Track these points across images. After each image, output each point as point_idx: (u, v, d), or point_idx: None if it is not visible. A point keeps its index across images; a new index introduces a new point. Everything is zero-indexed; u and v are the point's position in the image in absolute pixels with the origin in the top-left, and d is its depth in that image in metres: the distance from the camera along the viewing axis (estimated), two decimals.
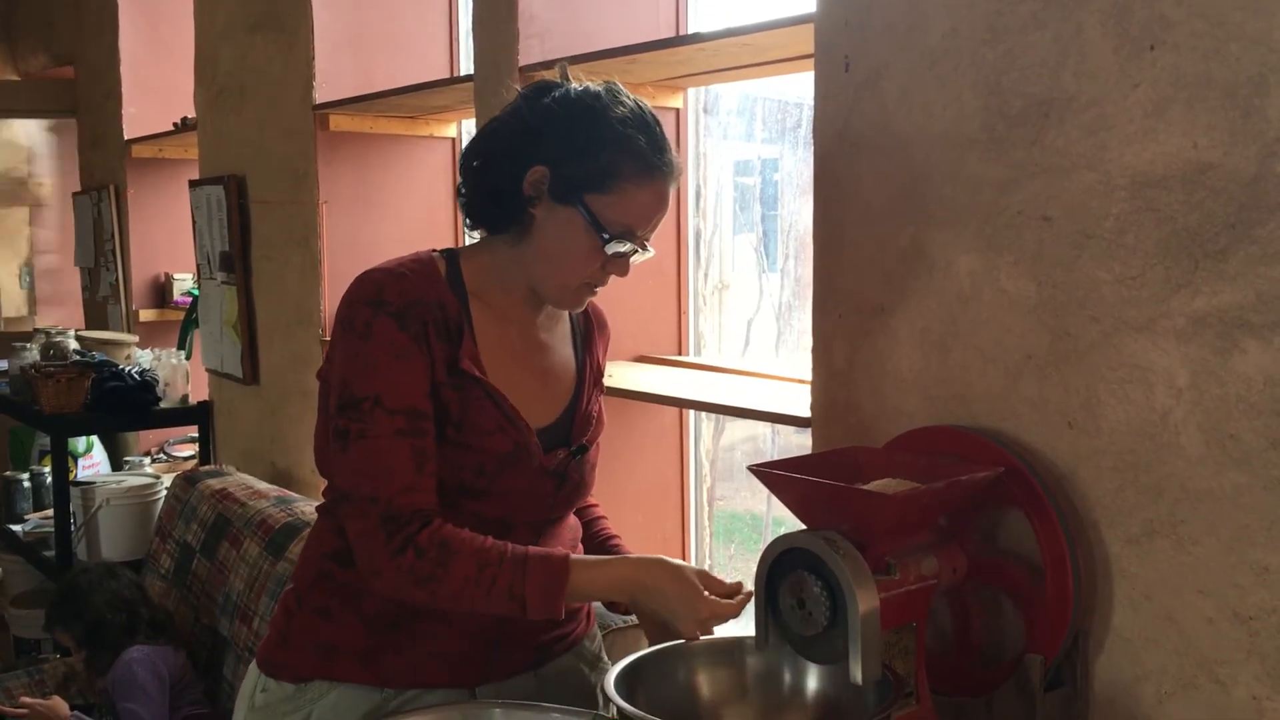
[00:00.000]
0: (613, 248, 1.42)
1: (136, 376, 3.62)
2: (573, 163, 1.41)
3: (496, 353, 1.47)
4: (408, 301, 1.40)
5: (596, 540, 1.67)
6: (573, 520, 1.61)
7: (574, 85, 1.47)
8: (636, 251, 1.46)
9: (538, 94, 1.46)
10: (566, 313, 1.59)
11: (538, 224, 1.44)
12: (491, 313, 1.48)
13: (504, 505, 1.45)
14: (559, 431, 1.52)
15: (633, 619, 2.03)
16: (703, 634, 1.40)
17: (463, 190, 1.51)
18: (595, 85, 1.46)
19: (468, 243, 1.61)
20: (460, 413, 1.41)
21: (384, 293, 1.40)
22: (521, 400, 1.47)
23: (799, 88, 2.42)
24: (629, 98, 1.46)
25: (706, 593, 1.39)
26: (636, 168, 1.41)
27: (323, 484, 1.54)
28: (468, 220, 1.52)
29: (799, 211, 2.52)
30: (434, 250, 1.51)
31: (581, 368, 1.58)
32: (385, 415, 1.36)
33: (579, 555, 1.43)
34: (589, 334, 1.62)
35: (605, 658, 1.67)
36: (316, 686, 1.47)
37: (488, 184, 1.46)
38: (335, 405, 1.40)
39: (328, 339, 1.97)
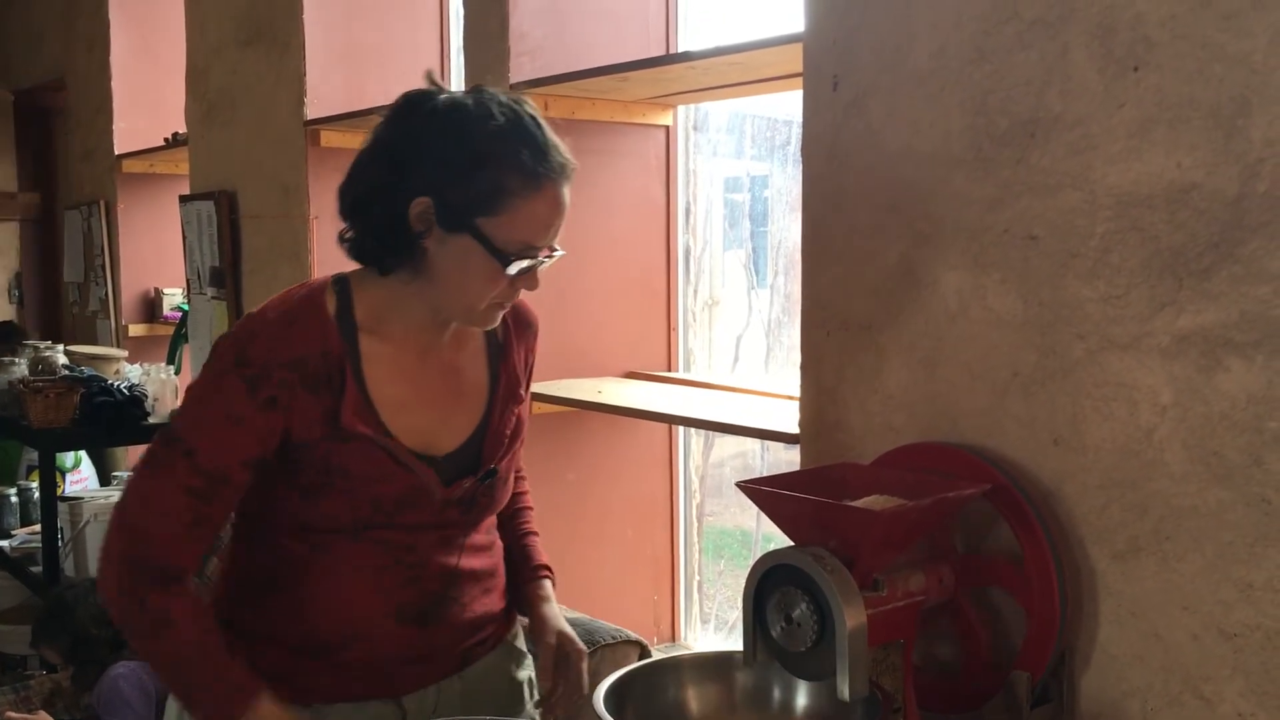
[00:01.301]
0: (515, 267, 1.36)
1: (125, 391, 3.61)
2: (454, 189, 1.34)
3: (392, 387, 1.41)
4: (271, 365, 1.35)
5: (516, 535, 1.65)
6: (488, 523, 1.57)
7: (440, 98, 1.38)
8: (542, 263, 1.39)
9: (400, 117, 1.39)
10: (478, 331, 1.51)
11: (431, 256, 1.37)
12: (387, 345, 1.42)
13: (409, 535, 1.43)
14: (467, 455, 1.47)
15: (624, 634, 2.04)
16: None
17: (346, 234, 1.43)
18: (462, 96, 1.37)
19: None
20: (345, 463, 1.37)
21: (250, 349, 1.36)
22: (420, 434, 1.42)
23: (788, 105, 2.44)
24: (501, 103, 1.37)
25: None
26: (524, 181, 1.33)
27: None
28: (359, 261, 1.44)
29: (788, 228, 2.54)
30: (330, 279, 1.44)
31: (495, 383, 1.51)
32: (188, 468, 1.34)
33: (270, 707, 1.36)
34: (506, 344, 1.54)
35: (527, 650, 1.65)
36: None
37: (371, 224, 1.39)
38: (164, 430, 1.39)
39: None
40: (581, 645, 1.56)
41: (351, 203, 1.41)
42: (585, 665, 1.56)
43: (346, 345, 1.39)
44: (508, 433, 1.51)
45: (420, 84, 1.42)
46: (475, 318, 1.42)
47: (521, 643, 1.65)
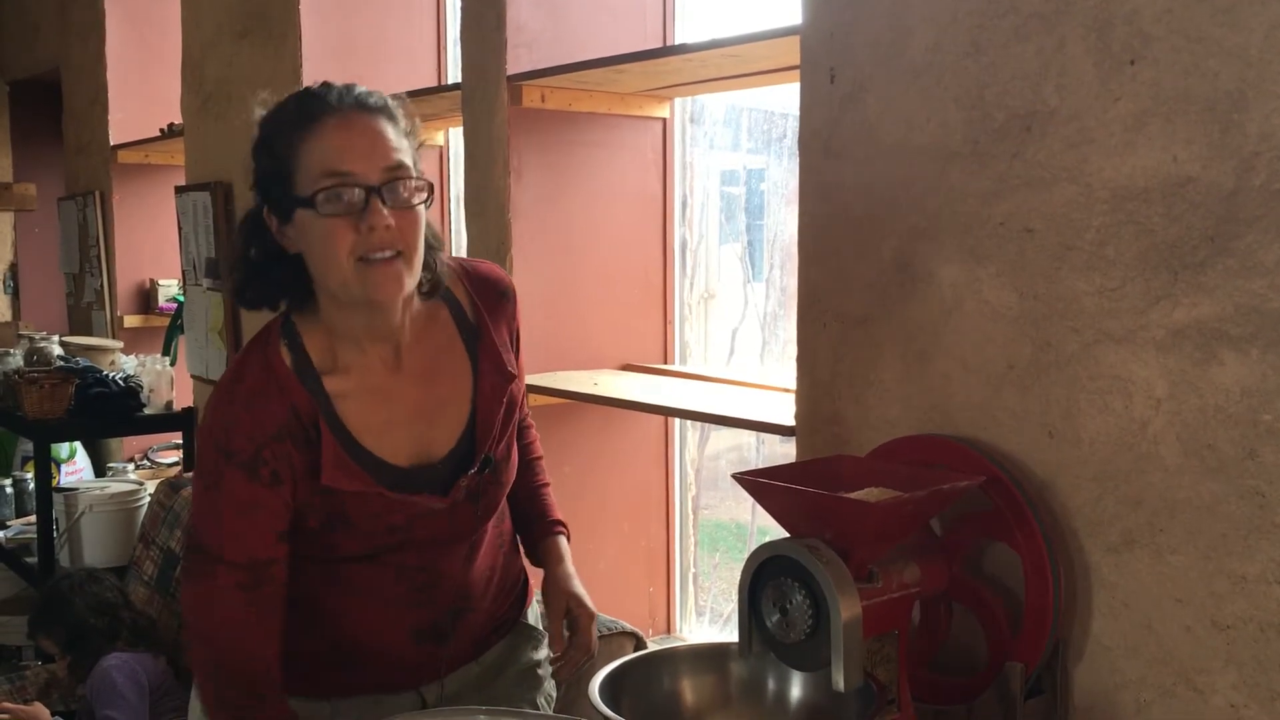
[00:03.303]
0: (327, 208, 1.29)
1: (120, 382, 3.61)
2: (265, 180, 1.37)
3: (372, 415, 1.40)
4: (258, 446, 1.34)
5: (530, 488, 1.65)
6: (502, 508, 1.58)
7: None
8: (374, 195, 1.30)
9: None
10: (446, 316, 1.46)
11: (297, 250, 1.36)
12: (351, 377, 1.40)
13: (421, 556, 1.44)
14: (462, 452, 1.45)
15: (619, 625, 2.04)
16: None
17: (246, 293, 1.42)
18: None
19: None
20: (343, 510, 1.38)
21: (232, 440, 1.35)
22: (411, 448, 1.42)
23: (785, 98, 2.44)
24: (301, 91, 1.41)
25: None
26: (294, 128, 1.33)
27: None
28: (274, 308, 1.44)
29: (785, 221, 2.54)
30: (278, 331, 1.42)
31: (476, 371, 1.46)
32: (225, 570, 1.35)
33: None
34: (479, 324, 1.48)
35: (541, 626, 1.66)
36: None
37: (259, 263, 1.41)
38: (187, 541, 1.41)
39: None
40: (591, 608, 1.57)
41: (243, 255, 1.42)
42: (594, 627, 1.57)
43: (312, 396, 1.37)
44: (499, 418, 1.47)
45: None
46: (357, 288, 1.33)
47: (536, 619, 1.67)
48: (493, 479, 1.47)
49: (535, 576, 1.65)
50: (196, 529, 1.39)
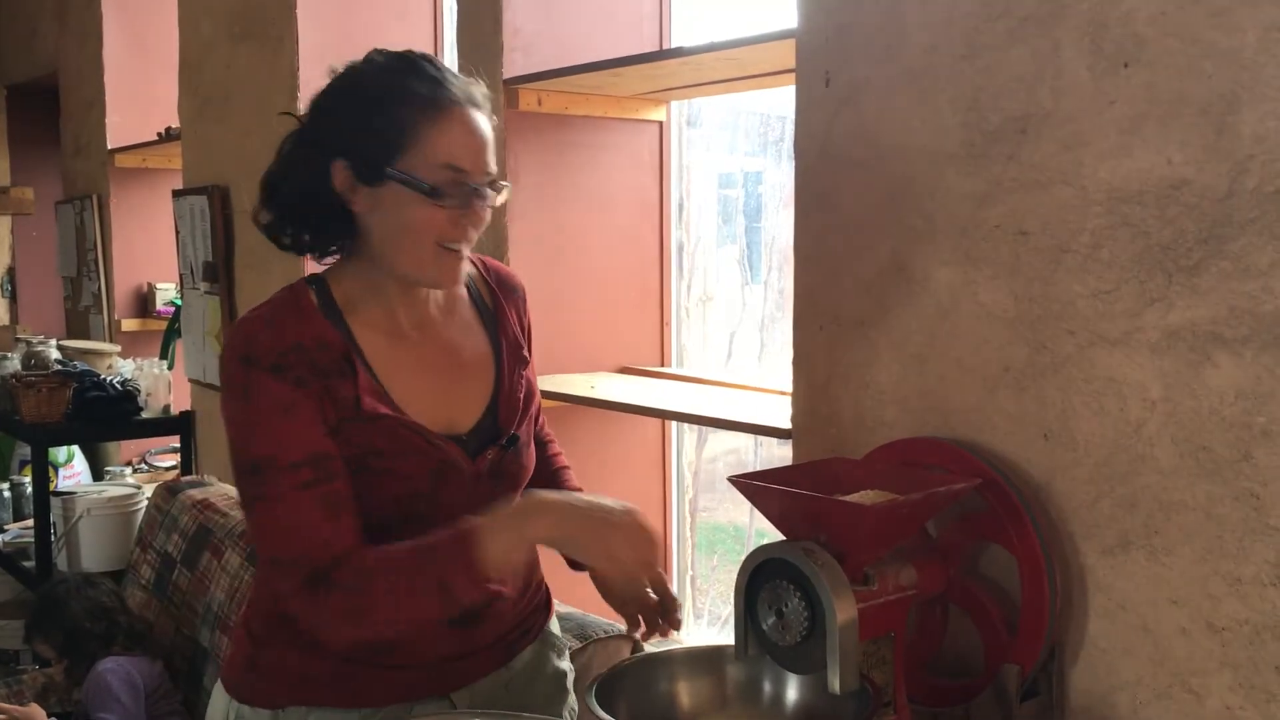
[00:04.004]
0: (446, 200, 1.32)
1: (118, 386, 3.61)
2: (361, 139, 1.33)
3: (396, 375, 1.40)
4: (282, 350, 1.33)
5: (549, 470, 1.66)
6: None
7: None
8: (477, 194, 1.35)
9: (312, 99, 1.41)
10: (465, 296, 1.50)
11: (365, 222, 1.36)
12: (379, 333, 1.40)
13: (450, 514, 1.39)
14: (486, 428, 1.45)
15: (616, 628, 2.04)
16: (640, 576, 1.38)
17: (288, 238, 1.42)
18: (355, 60, 1.39)
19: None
20: (372, 440, 1.36)
21: (254, 347, 1.33)
22: (437, 415, 1.41)
23: (782, 101, 2.44)
24: (382, 53, 1.38)
25: (633, 523, 1.30)
26: (423, 110, 1.32)
27: None
28: (317, 258, 1.44)
29: (782, 224, 2.54)
30: (304, 278, 1.43)
31: (497, 351, 1.49)
32: (284, 473, 1.30)
33: (494, 517, 1.31)
34: (496, 308, 1.52)
35: (561, 639, 1.67)
36: (293, 712, 1.44)
37: (303, 211, 1.39)
38: (236, 468, 1.34)
39: None
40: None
41: (282, 199, 1.40)
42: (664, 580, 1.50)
43: (342, 334, 1.38)
44: (520, 396, 1.50)
45: None
46: (431, 271, 1.37)
47: (557, 628, 1.67)
48: (514, 459, 1.48)
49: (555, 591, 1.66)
50: (241, 449, 1.33)
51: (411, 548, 1.30)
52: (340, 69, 1.39)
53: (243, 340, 1.35)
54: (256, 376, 1.32)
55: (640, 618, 1.53)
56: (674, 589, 1.52)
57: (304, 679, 1.44)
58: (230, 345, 1.37)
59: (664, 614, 1.52)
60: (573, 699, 1.65)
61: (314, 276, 1.43)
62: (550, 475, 1.67)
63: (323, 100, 1.38)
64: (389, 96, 1.33)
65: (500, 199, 1.39)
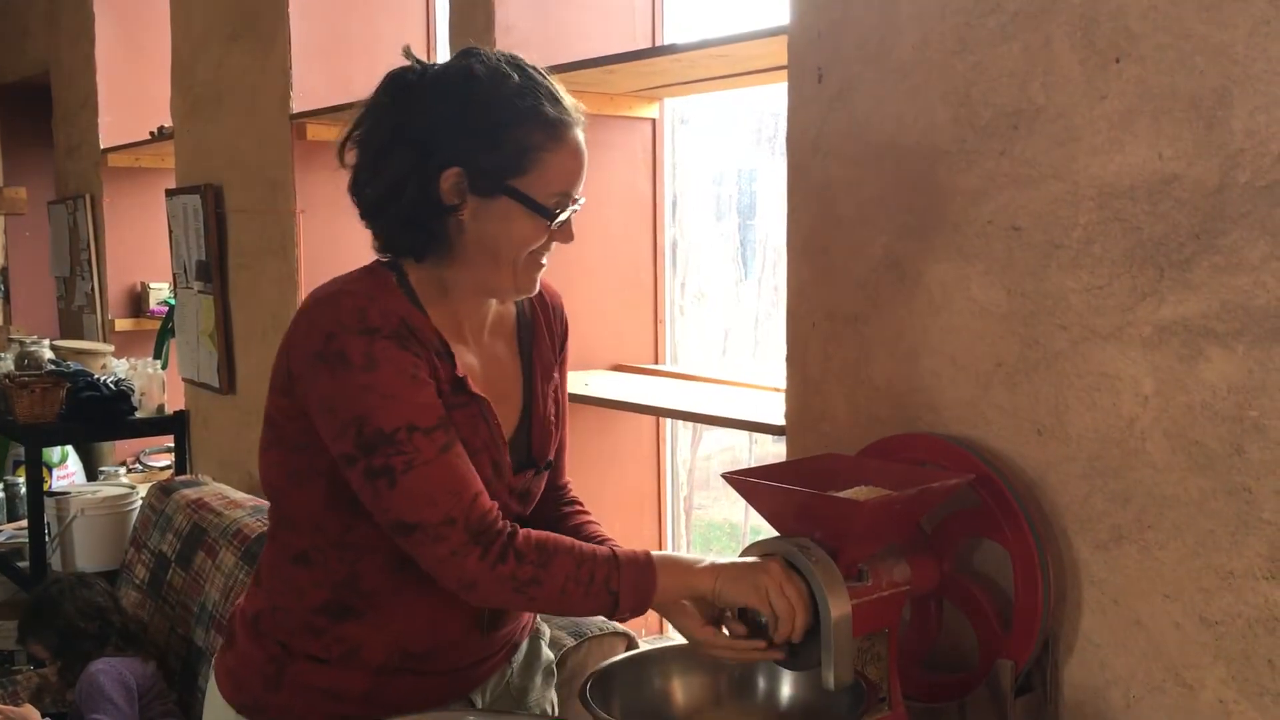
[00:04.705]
0: (560, 219, 1.37)
1: (112, 386, 3.60)
2: (485, 154, 1.33)
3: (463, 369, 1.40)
4: (396, 320, 1.32)
5: (583, 534, 1.60)
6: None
7: (441, 68, 1.37)
8: (570, 215, 1.39)
9: (405, 96, 1.37)
10: (510, 313, 1.51)
11: (469, 228, 1.36)
12: (447, 331, 1.40)
13: None
14: (519, 447, 1.46)
15: (611, 626, 2.04)
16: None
17: (377, 229, 1.41)
18: (458, 63, 1.37)
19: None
20: (461, 429, 1.35)
21: (369, 318, 1.31)
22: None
23: (774, 98, 2.44)
24: (508, 64, 1.37)
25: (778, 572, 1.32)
26: (548, 134, 1.34)
27: None
28: (389, 254, 1.42)
29: (776, 221, 2.54)
30: (378, 262, 1.42)
31: (529, 371, 1.50)
32: (425, 439, 1.29)
33: (661, 554, 1.36)
34: (534, 328, 1.52)
35: (544, 626, 1.70)
36: None
37: (403, 212, 1.36)
38: (354, 445, 1.29)
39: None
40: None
41: (377, 197, 1.38)
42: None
43: (424, 315, 1.37)
44: (552, 419, 1.51)
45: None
46: (520, 283, 1.40)
47: (540, 621, 1.70)
48: (539, 483, 1.51)
49: None
50: (369, 418, 1.28)
51: (589, 547, 1.34)
52: (455, 71, 1.36)
53: (354, 313, 1.32)
54: (381, 345, 1.30)
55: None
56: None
57: (333, 697, 1.42)
58: (329, 318, 1.32)
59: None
60: (553, 690, 1.68)
61: (392, 262, 1.41)
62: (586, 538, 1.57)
63: (444, 104, 1.34)
64: (519, 117, 1.33)
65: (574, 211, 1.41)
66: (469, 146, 1.33)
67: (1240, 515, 1.29)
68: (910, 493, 1.37)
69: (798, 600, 1.30)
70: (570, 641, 1.98)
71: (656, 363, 2.68)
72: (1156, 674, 1.38)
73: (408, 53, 1.40)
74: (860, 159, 1.64)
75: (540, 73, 1.39)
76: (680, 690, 1.49)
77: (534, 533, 1.33)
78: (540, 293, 1.54)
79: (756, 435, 2.46)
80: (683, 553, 1.42)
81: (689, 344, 2.75)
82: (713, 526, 2.84)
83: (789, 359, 1.78)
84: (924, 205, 1.56)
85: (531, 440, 1.48)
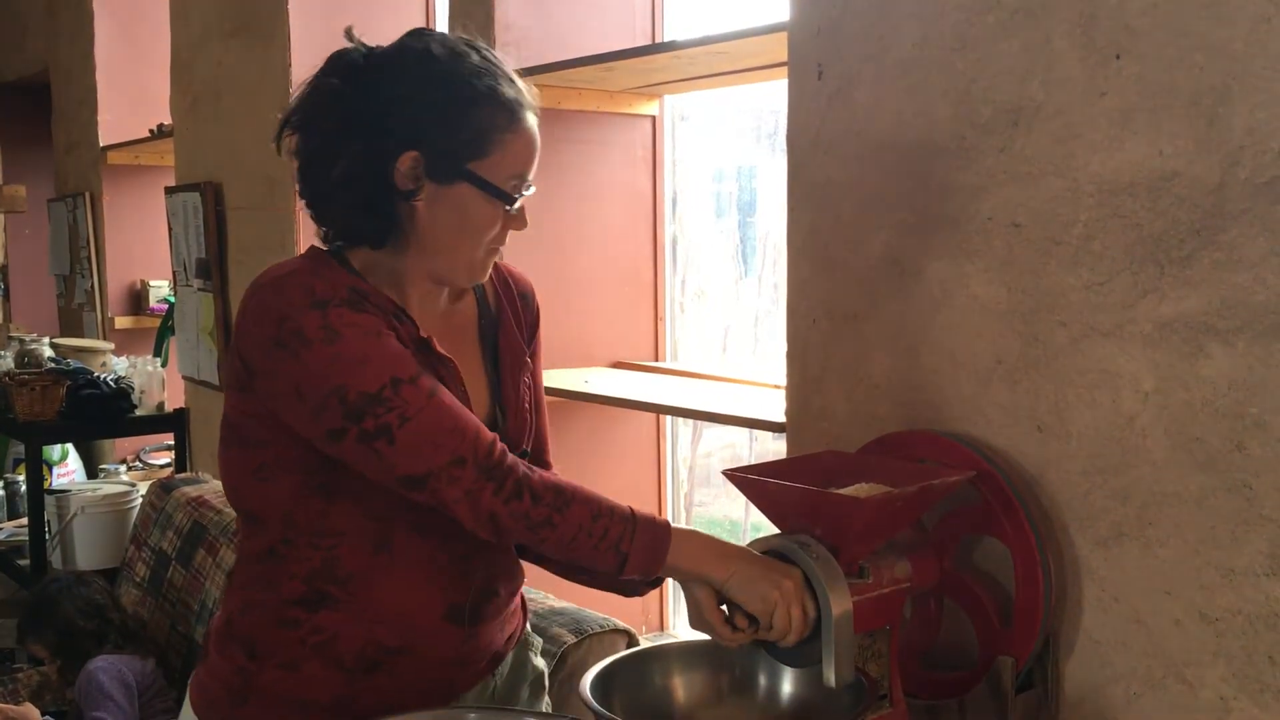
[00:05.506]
0: (519, 203, 1.34)
1: (112, 384, 3.60)
2: (445, 137, 1.29)
3: None
4: (345, 289, 1.29)
5: None
6: None
7: (376, 48, 1.34)
8: (521, 201, 1.36)
9: (350, 71, 1.33)
10: (470, 304, 1.47)
11: (422, 214, 1.32)
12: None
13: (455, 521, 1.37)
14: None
15: (612, 623, 2.04)
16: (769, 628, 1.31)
17: (326, 217, 1.37)
18: (412, 43, 1.33)
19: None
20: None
21: (316, 291, 1.28)
22: None
23: (774, 95, 2.44)
24: (465, 44, 1.34)
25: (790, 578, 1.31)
26: (506, 117, 1.31)
27: None
28: (340, 242, 1.37)
29: (776, 218, 2.54)
30: (322, 249, 1.39)
31: (496, 360, 1.46)
32: (412, 388, 1.26)
33: (684, 530, 1.33)
34: (499, 318, 1.49)
35: (536, 637, 1.66)
36: None
37: (355, 198, 1.32)
38: (341, 417, 1.25)
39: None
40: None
41: (328, 184, 1.33)
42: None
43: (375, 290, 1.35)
44: (527, 408, 1.48)
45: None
46: (475, 270, 1.38)
47: (530, 628, 1.66)
48: None
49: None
50: (348, 386, 1.25)
51: (607, 500, 1.30)
52: (411, 51, 1.32)
53: (298, 290, 1.28)
54: (337, 313, 1.27)
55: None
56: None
57: (303, 706, 1.38)
58: (283, 301, 1.28)
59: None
60: (547, 699, 1.64)
61: (334, 249, 1.39)
62: None
63: (392, 84, 1.31)
64: (478, 98, 1.30)
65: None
66: (427, 128, 1.30)
67: (1241, 512, 1.29)
68: (911, 490, 1.37)
69: (799, 623, 1.29)
70: (571, 639, 1.98)
71: (657, 360, 2.68)
72: (1157, 671, 1.38)
73: (350, 35, 1.37)
74: (860, 156, 1.64)
75: (495, 55, 1.36)
76: (681, 687, 1.49)
77: (548, 474, 1.30)
78: (507, 281, 1.52)
79: (757, 432, 2.46)
80: (713, 533, 1.38)
81: (689, 341, 2.75)
82: (713, 523, 2.84)
83: (789, 356, 1.78)
84: (924, 202, 1.56)
85: (507, 430, 1.45)
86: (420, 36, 1.35)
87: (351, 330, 1.27)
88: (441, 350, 1.36)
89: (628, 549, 1.29)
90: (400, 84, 1.31)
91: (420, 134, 1.30)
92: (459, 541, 1.38)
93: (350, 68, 1.34)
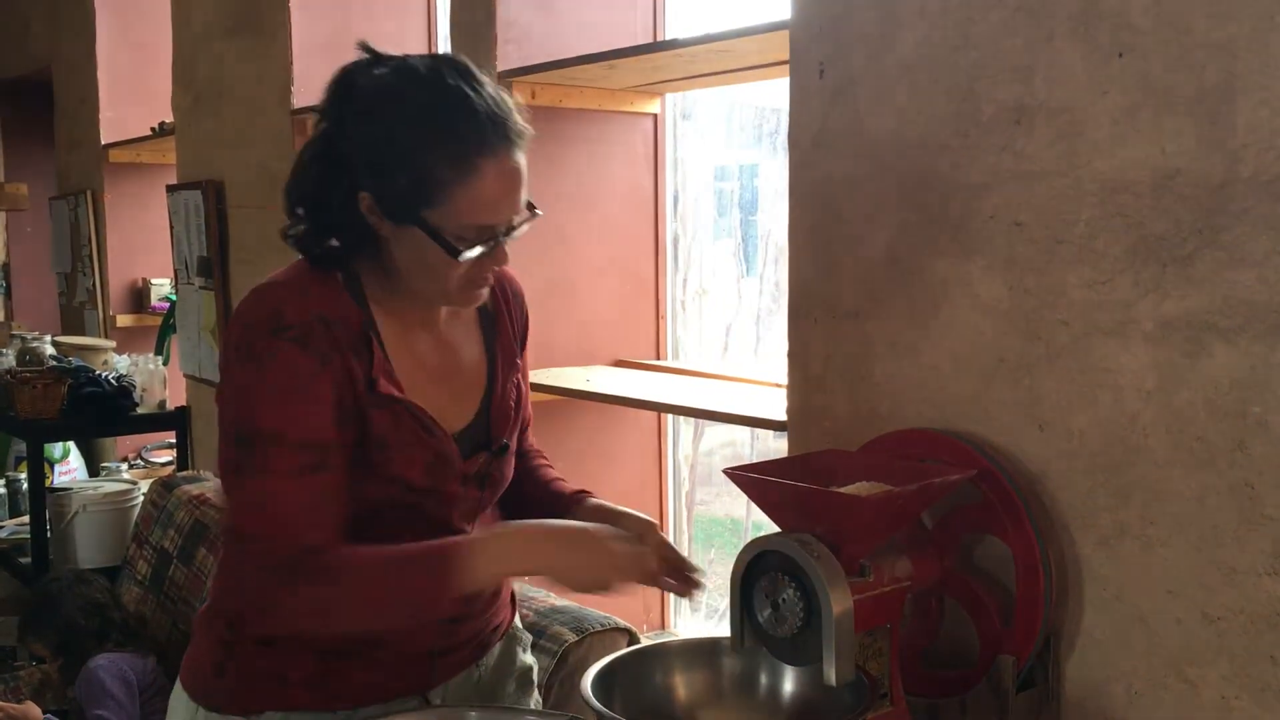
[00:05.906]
0: (467, 256, 1.29)
1: (113, 382, 3.60)
2: (390, 182, 1.27)
3: (406, 361, 1.38)
4: (310, 320, 1.29)
5: (543, 482, 1.62)
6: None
7: (365, 79, 1.29)
8: (506, 238, 1.32)
9: (335, 102, 1.32)
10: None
11: (390, 245, 1.32)
12: (395, 320, 1.38)
13: (436, 531, 1.39)
14: (477, 432, 1.44)
15: (613, 621, 2.04)
16: (633, 582, 1.36)
17: (292, 230, 1.37)
18: (385, 73, 1.29)
19: None
20: (380, 431, 1.33)
21: (283, 316, 1.28)
22: (435, 408, 1.39)
23: (777, 93, 2.44)
24: (427, 68, 1.28)
25: (615, 546, 1.35)
26: (456, 168, 1.25)
27: None
28: (322, 264, 1.37)
29: (777, 217, 2.54)
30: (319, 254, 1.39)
31: (492, 358, 1.48)
32: (287, 451, 1.26)
33: (473, 537, 1.34)
34: (496, 315, 1.50)
35: (525, 633, 1.67)
36: (268, 716, 1.40)
37: (327, 221, 1.33)
38: (231, 436, 1.28)
39: None
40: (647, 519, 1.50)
41: (298, 201, 1.35)
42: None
43: (364, 313, 1.35)
44: (512, 404, 1.49)
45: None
46: (454, 300, 1.38)
47: (519, 623, 1.67)
48: (500, 466, 1.48)
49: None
50: (244, 417, 1.27)
51: (390, 554, 1.29)
52: (369, 85, 1.29)
53: (270, 308, 1.30)
54: (281, 346, 1.27)
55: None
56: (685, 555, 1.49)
57: (280, 680, 1.40)
58: (253, 312, 1.31)
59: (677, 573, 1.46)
60: (537, 695, 1.65)
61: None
62: (545, 487, 1.61)
63: (352, 123, 1.29)
64: (425, 145, 1.25)
65: (525, 228, 1.35)
66: (374, 173, 1.28)
67: (1243, 511, 1.29)
68: (912, 488, 1.37)
69: (653, 573, 1.36)
70: (572, 637, 1.97)
71: (658, 359, 2.68)
72: (1159, 670, 1.38)
73: (365, 48, 1.33)
74: (862, 154, 1.64)
75: (474, 86, 1.28)
76: (682, 686, 1.49)
77: (340, 555, 1.28)
78: (502, 282, 1.52)
79: (758, 431, 2.46)
80: (526, 523, 1.39)
81: (690, 340, 2.75)
82: (715, 522, 2.84)
83: (790, 355, 1.78)
84: (926, 201, 1.56)
85: (490, 425, 1.46)
86: (403, 74, 1.29)
87: (280, 369, 1.27)
88: (389, 391, 1.34)
89: (423, 593, 1.29)
90: (366, 123, 1.29)
91: (374, 176, 1.28)
92: (443, 535, 1.39)
93: (338, 95, 1.33)
